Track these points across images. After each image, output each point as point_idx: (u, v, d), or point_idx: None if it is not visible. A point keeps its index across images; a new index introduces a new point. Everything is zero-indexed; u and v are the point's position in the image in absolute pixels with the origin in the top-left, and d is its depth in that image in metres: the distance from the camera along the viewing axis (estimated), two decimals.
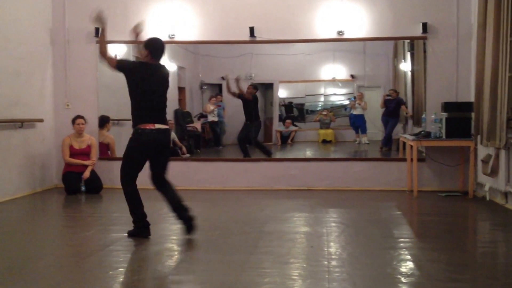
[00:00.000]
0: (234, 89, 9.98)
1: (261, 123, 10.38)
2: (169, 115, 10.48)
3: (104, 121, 8.95)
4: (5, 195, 7.59)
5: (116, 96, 9.69)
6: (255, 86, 10.19)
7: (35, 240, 5.50)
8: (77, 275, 4.27)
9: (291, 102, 11.72)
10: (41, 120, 8.42)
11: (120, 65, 5.31)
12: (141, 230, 5.32)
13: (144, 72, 5.23)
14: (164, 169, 5.41)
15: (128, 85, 5.28)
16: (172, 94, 10.91)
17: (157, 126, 5.20)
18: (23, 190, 8.05)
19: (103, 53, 5.36)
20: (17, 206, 7.39)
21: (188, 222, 5.28)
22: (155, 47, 5.32)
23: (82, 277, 4.23)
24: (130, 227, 5.45)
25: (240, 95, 9.95)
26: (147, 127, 5.18)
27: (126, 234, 5.37)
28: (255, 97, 10.13)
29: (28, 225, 6.34)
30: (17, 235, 5.71)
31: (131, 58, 9.71)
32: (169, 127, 5.38)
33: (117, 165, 8.71)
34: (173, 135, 10.20)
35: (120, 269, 4.37)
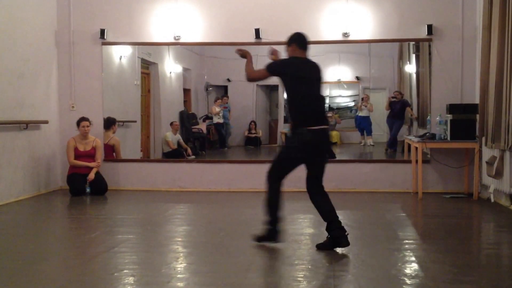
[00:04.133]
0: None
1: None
2: (175, 116, 10.57)
3: (110, 123, 8.97)
4: (10, 197, 7.61)
5: (121, 98, 9.74)
6: None
7: (40, 242, 5.51)
8: (82, 277, 4.28)
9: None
10: (46, 122, 8.44)
11: (270, 70, 5.24)
12: (273, 234, 5.02)
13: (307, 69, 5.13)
14: (322, 172, 5.29)
15: (289, 87, 5.12)
16: (177, 96, 10.95)
17: (320, 126, 5.00)
18: (28, 191, 8.07)
19: (251, 73, 5.34)
20: (22, 207, 7.41)
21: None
22: (299, 39, 5.21)
23: (87, 278, 4.24)
24: (132, 228, 5.44)
25: None
26: (310, 128, 4.97)
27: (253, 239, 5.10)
28: None
29: (33, 227, 6.35)
30: (22, 237, 5.71)
31: (136, 60, 9.78)
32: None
33: (122, 166, 8.90)
34: (178, 137, 10.24)
35: (125, 271, 4.36)
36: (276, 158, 5.22)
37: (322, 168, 5.22)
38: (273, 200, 5.07)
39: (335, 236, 4.83)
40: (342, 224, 4.91)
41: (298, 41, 5.14)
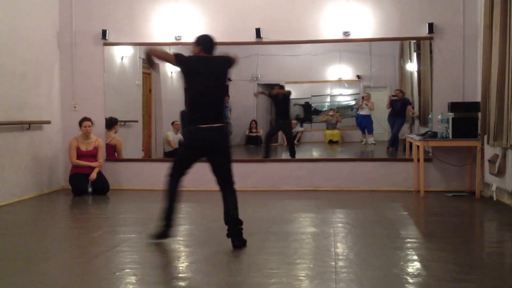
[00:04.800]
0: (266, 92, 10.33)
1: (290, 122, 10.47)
2: (176, 116, 10.57)
3: (112, 123, 8.99)
4: (13, 197, 7.63)
5: (123, 98, 9.76)
6: (281, 86, 10.40)
7: (43, 241, 5.53)
8: (84, 276, 4.29)
9: (307, 102, 11.74)
10: (48, 122, 8.46)
11: (178, 58, 5.13)
12: (164, 230, 5.17)
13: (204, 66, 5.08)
14: (225, 170, 5.18)
15: (188, 83, 5.12)
16: (178, 96, 10.95)
17: (212, 124, 5.00)
18: (31, 191, 8.08)
19: (155, 54, 5.24)
20: (24, 207, 7.43)
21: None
22: (205, 42, 5.16)
23: (89, 278, 4.25)
24: (134, 227, 5.44)
25: (277, 93, 10.29)
26: (201, 126, 4.99)
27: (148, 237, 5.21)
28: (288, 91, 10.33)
29: (36, 227, 6.37)
30: (25, 236, 5.73)
31: (138, 60, 9.79)
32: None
33: (124, 166, 8.92)
34: (179, 136, 10.24)
35: (127, 270, 4.38)
36: (175, 157, 5.31)
37: (224, 167, 5.15)
38: (169, 200, 5.23)
39: (234, 235, 4.98)
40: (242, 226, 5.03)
41: (204, 45, 5.13)
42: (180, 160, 5.24)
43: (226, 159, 5.14)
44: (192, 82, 5.06)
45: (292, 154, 9.74)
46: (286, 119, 10.18)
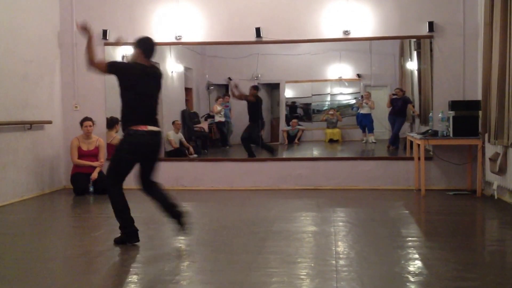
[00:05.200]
0: (237, 93, 10.12)
1: (264, 123, 10.38)
2: (177, 115, 10.57)
3: (113, 123, 9.00)
4: (15, 196, 7.65)
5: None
6: (256, 87, 10.25)
7: (44, 241, 5.54)
8: (86, 275, 4.30)
9: (294, 102, 11.74)
10: (49, 122, 8.48)
11: (111, 67, 5.16)
12: (131, 236, 5.14)
13: (144, 73, 5.11)
14: (153, 171, 5.30)
15: (123, 90, 5.09)
16: (179, 95, 10.96)
17: (150, 128, 5.06)
18: (32, 191, 8.10)
19: (91, 60, 5.05)
20: (26, 207, 7.45)
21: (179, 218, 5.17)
22: (146, 46, 5.22)
23: (90, 277, 4.26)
24: (138, 226, 5.45)
25: (245, 98, 10.04)
26: (140, 129, 5.02)
27: (113, 243, 5.17)
28: (258, 97, 10.17)
29: (37, 226, 6.39)
30: (26, 236, 5.75)
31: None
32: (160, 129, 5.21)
33: None
34: (180, 135, 10.24)
35: (129, 269, 4.39)
36: (111, 162, 5.23)
37: (153, 167, 5.28)
38: (119, 204, 5.16)
39: (177, 218, 5.15)
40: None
41: (144, 48, 5.17)
42: (123, 167, 5.15)
43: (156, 161, 5.29)
44: (134, 87, 5.04)
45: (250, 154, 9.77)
46: (255, 121, 10.12)
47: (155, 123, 5.13)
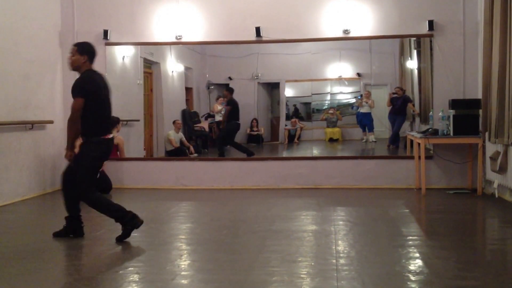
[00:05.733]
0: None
1: (239, 125, 10.36)
2: (177, 115, 10.60)
3: (114, 122, 8.98)
4: (16, 196, 7.66)
5: (125, 97, 9.78)
6: (230, 89, 10.28)
7: (45, 240, 5.53)
8: (87, 275, 4.32)
9: (295, 105, 11.78)
10: (51, 122, 8.49)
11: (84, 94, 5.22)
12: (133, 221, 5.28)
13: (103, 83, 5.44)
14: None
15: (90, 102, 5.22)
16: (179, 95, 10.98)
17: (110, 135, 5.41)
18: (34, 191, 8.12)
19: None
20: (27, 206, 7.46)
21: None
22: (92, 52, 5.39)
23: (92, 276, 4.27)
24: (143, 227, 5.45)
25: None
26: (107, 137, 5.34)
27: (116, 241, 5.23)
28: (233, 101, 10.15)
29: (38, 226, 6.40)
30: (28, 235, 5.76)
31: (139, 59, 9.81)
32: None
33: (126, 165, 8.94)
34: (180, 135, 10.27)
35: (130, 269, 4.40)
36: (84, 171, 5.26)
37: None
38: (102, 204, 5.32)
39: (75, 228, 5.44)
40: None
41: (91, 54, 5.34)
42: (94, 173, 5.38)
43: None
44: (98, 98, 5.30)
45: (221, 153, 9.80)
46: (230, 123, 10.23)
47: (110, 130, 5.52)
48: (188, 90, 11.25)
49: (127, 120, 9.51)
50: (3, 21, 7.48)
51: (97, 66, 8.76)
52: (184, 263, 4.61)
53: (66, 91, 8.95)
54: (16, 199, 7.64)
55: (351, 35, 8.54)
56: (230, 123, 10.09)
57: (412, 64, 9.94)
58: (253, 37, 8.62)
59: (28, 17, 8.04)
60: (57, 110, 8.81)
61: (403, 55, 10.10)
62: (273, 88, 11.83)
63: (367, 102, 10.51)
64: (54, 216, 7.18)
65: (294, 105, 11.78)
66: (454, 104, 7.71)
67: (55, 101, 8.78)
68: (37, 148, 8.24)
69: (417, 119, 9.78)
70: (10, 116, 7.52)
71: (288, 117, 11.60)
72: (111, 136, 5.40)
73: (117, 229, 5.91)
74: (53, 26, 8.76)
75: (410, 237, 5.34)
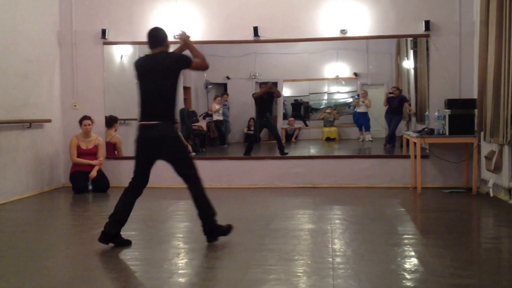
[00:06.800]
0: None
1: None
2: (175, 114, 10.60)
3: (112, 121, 9.04)
4: (14, 195, 7.68)
5: (123, 96, 9.80)
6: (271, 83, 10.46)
7: (44, 239, 5.56)
8: (85, 273, 4.34)
9: (297, 100, 11.78)
10: (49, 121, 8.51)
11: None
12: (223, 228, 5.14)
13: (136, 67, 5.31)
14: (178, 168, 5.16)
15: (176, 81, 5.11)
16: (177, 94, 10.98)
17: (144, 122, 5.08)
18: (32, 189, 8.14)
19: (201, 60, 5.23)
20: (25, 205, 7.48)
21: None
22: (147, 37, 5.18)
23: (90, 274, 4.30)
24: (134, 224, 5.45)
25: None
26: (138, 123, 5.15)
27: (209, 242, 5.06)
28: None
29: (36, 224, 6.42)
30: (26, 234, 5.78)
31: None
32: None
33: (124, 164, 8.95)
34: (179, 134, 10.28)
35: (127, 267, 4.42)
36: (187, 162, 5.21)
37: (176, 163, 5.11)
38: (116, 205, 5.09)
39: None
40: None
41: (147, 40, 5.19)
42: (135, 162, 5.17)
43: (171, 157, 5.10)
44: (138, 82, 5.22)
45: (281, 151, 9.81)
46: (271, 115, 10.26)
47: (152, 117, 5.05)
48: (186, 89, 11.25)
49: (125, 119, 9.52)
50: (2, 20, 7.50)
51: (95, 65, 8.95)
52: (181, 261, 4.63)
53: (64, 90, 9.01)
54: (14, 197, 7.66)
55: (348, 35, 8.58)
56: None
57: (408, 64, 9.97)
58: (251, 36, 8.65)
59: (27, 16, 8.06)
60: (55, 109, 8.83)
61: (399, 55, 10.13)
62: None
63: (363, 102, 10.54)
64: (52, 214, 7.23)
65: (299, 103, 11.77)
66: (450, 103, 7.74)
67: (53, 100, 8.80)
68: (35, 147, 8.26)
69: (413, 119, 9.82)
70: (8, 115, 7.54)
71: (285, 117, 11.62)
72: (144, 122, 5.11)
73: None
74: (51, 25, 8.78)
75: (406, 236, 5.37)
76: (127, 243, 5.01)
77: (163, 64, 5.04)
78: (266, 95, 10.25)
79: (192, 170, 5.13)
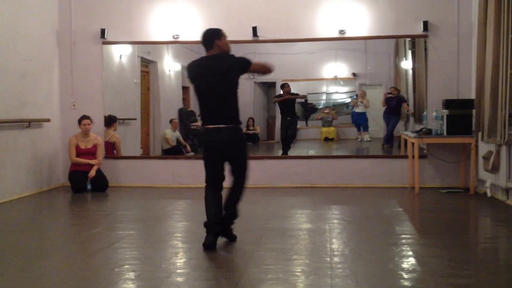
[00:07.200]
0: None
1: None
2: (174, 114, 10.63)
3: (111, 121, 9.05)
4: (13, 194, 7.69)
5: (122, 96, 9.82)
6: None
7: (42, 238, 5.57)
8: (84, 272, 4.34)
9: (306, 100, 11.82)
10: (48, 120, 8.52)
11: None
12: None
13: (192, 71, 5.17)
14: (236, 168, 5.16)
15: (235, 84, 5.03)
16: (176, 94, 11.01)
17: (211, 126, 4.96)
18: (31, 189, 8.15)
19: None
20: (24, 204, 7.48)
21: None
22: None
23: (88, 274, 4.30)
24: (133, 224, 5.47)
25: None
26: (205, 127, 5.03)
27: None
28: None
29: (35, 223, 6.43)
30: (24, 233, 5.78)
31: (136, 58, 9.84)
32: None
33: (123, 163, 8.98)
34: (177, 134, 10.31)
35: (126, 266, 4.42)
36: (246, 162, 5.22)
37: (237, 165, 5.17)
38: (206, 203, 5.07)
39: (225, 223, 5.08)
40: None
41: (202, 43, 5.10)
42: (205, 166, 5.12)
43: (235, 158, 5.12)
44: (194, 86, 5.10)
45: (286, 151, 9.85)
46: (294, 117, 10.45)
47: (220, 119, 4.94)
48: (185, 89, 11.26)
49: (124, 119, 9.54)
50: (1, 20, 7.50)
51: (94, 65, 8.96)
52: (179, 261, 4.64)
53: (63, 90, 9.01)
54: (13, 197, 7.66)
55: (346, 35, 8.59)
56: None
57: (406, 64, 10.00)
58: (249, 36, 8.65)
59: (26, 16, 8.06)
60: (54, 108, 8.84)
61: (398, 55, 10.15)
62: (269, 87, 11.87)
63: (362, 102, 10.56)
64: (51, 214, 7.24)
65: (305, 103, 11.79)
66: (448, 104, 7.76)
67: (52, 100, 8.80)
68: (34, 146, 8.27)
69: (411, 119, 9.84)
70: (7, 114, 7.55)
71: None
72: (212, 126, 4.95)
73: (114, 227, 5.97)
74: (51, 24, 8.78)
75: (404, 236, 5.39)
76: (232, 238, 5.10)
77: (223, 67, 4.93)
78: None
79: (246, 172, 5.20)
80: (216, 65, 4.93)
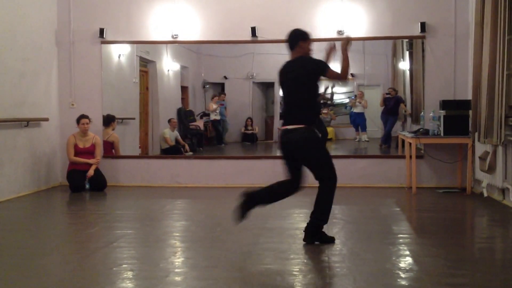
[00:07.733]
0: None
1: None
2: (172, 113, 10.64)
3: (109, 120, 9.06)
4: (11, 193, 7.70)
5: (120, 96, 9.83)
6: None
7: (40, 237, 5.57)
8: (82, 272, 4.34)
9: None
10: (46, 119, 8.53)
11: None
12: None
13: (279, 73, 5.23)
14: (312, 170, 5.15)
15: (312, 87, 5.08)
16: (175, 93, 11.03)
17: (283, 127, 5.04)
18: (29, 188, 8.16)
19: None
20: (22, 203, 7.48)
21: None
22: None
23: (86, 273, 4.30)
24: (131, 223, 5.46)
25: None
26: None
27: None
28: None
29: (33, 223, 6.42)
30: (23, 232, 5.79)
31: (135, 58, 9.86)
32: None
33: (121, 163, 9.00)
34: (176, 133, 10.32)
35: (124, 266, 4.42)
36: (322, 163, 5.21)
37: (310, 167, 5.16)
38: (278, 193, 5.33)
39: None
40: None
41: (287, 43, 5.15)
42: (284, 165, 5.26)
43: (305, 160, 5.12)
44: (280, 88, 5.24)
45: None
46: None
47: (289, 120, 5.02)
48: (184, 89, 11.29)
49: (122, 118, 9.55)
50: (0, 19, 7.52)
51: (93, 64, 8.97)
52: (178, 260, 4.65)
53: (62, 89, 9.02)
54: (11, 196, 7.67)
55: (345, 36, 8.60)
56: None
57: (404, 65, 10.03)
58: (248, 37, 8.68)
59: (25, 15, 8.07)
60: (52, 107, 8.84)
61: (395, 56, 10.18)
62: (267, 87, 11.90)
63: (360, 102, 10.59)
64: (49, 213, 7.25)
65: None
66: (445, 104, 7.79)
67: (50, 99, 8.81)
68: (32, 145, 8.28)
69: (409, 119, 9.87)
70: (5, 114, 7.55)
71: (282, 117, 11.66)
72: (284, 127, 5.04)
73: (112, 226, 5.98)
74: (49, 24, 8.79)
75: (401, 235, 5.40)
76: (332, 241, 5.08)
77: (298, 71, 4.98)
78: None
79: (326, 173, 5.13)
80: (296, 69, 5.00)
